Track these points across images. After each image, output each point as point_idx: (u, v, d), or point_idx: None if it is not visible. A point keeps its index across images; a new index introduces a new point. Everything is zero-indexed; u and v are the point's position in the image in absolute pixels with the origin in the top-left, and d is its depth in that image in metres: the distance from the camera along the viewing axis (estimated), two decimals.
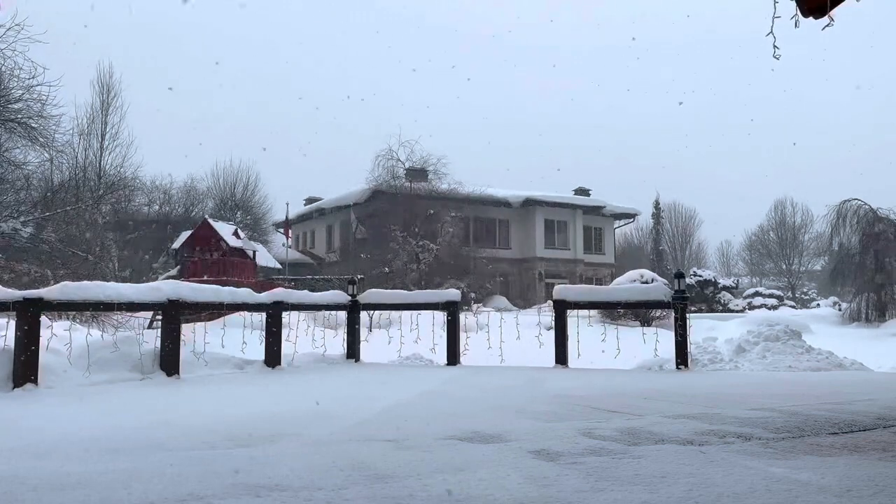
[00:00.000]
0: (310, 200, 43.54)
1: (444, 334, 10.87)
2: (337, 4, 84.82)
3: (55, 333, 8.05)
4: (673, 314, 9.96)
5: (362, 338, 11.50)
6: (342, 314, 12.01)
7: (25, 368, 7.09)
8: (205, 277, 23.52)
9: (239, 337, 10.30)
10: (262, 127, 72.15)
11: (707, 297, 32.42)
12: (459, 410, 5.57)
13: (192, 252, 26.72)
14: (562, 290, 10.54)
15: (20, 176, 20.48)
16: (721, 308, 31.35)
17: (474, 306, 24.78)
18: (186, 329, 9.51)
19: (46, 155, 20.69)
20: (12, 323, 7.64)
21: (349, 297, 11.40)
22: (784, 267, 52.77)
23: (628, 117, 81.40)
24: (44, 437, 4.46)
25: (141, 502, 2.75)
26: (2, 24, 16.88)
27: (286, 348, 10.16)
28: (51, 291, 7.70)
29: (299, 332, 11.72)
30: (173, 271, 26.46)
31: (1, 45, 17.27)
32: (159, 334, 8.67)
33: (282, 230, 39.06)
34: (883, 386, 7.59)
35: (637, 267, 30.16)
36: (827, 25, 4.26)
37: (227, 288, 10.03)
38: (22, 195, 20.77)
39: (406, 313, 13.55)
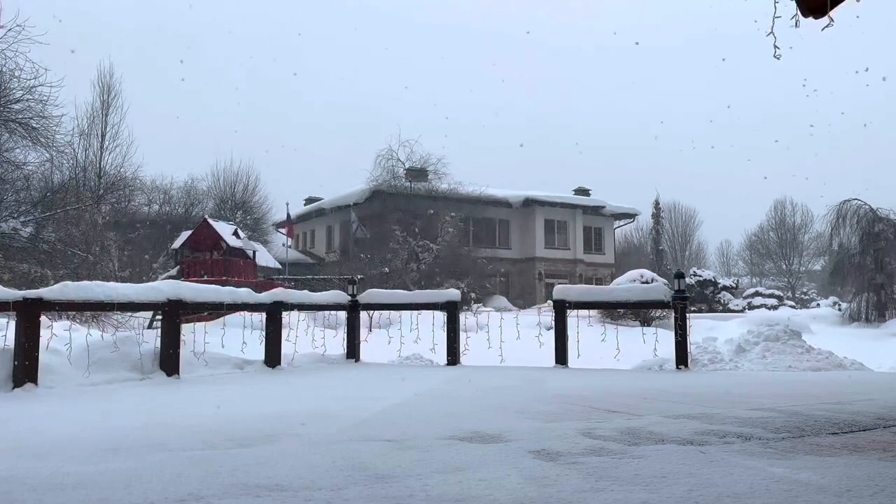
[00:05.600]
0: (310, 200, 43.53)
1: (444, 334, 10.88)
2: (337, 5, 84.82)
3: (55, 333, 8.06)
4: (673, 314, 9.96)
5: (362, 338, 11.50)
6: (342, 314, 12.01)
7: (25, 368, 7.08)
8: (205, 277, 23.50)
9: (239, 337, 10.30)
10: (261, 127, 72.18)
11: (707, 297, 32.41)
12: (459, 410, 5.57)
13: (192, 252, 26.70)
14: (562, 290, 10.54)
15: (20, 176, 20.50)
16: (721, 308, 31.34)
17: (474, 306, 24.77)
18: (186, 329, 9.51)
19: (47, 155, 20.73)
20: (12, 323, 7.64)
21: (349, 297, 11.40)
22: (784, 267, 52.78)
23: (629, 117, 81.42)
24: (44, 438, 4.46)
25: (141, 502, 2.75)
26: (3, 26, 16.91)
27: (286, 348, 10.16)
28: (51, 291, 7.70)
29: (299, 332, 11.72)
30: (173, 271, 26.40)
31: (1, 46, 17.30)
32: (159, 334, 8.68)
33: (282, 230, 39.04)
34: (883, 386, 7.59)
35: (637, 267, 30.16)
36: (827, 26, 4.27)
37: (227, 288, 10.03)
38: (22, 195, 20.79)
39: (406, 313, 13.56)
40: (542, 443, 3.91)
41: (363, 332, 11.91)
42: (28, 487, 3.02)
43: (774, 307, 33.18)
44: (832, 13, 4.25)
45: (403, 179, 35.10)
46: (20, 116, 18.68)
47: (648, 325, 19.10)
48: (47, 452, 3.86)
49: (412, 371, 9.96)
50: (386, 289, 15.76)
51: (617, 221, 44.20)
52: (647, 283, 20.64)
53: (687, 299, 9.88)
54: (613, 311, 19.27)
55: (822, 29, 4.28)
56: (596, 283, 37.09)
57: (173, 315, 8.67)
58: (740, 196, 69.10)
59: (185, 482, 3.05)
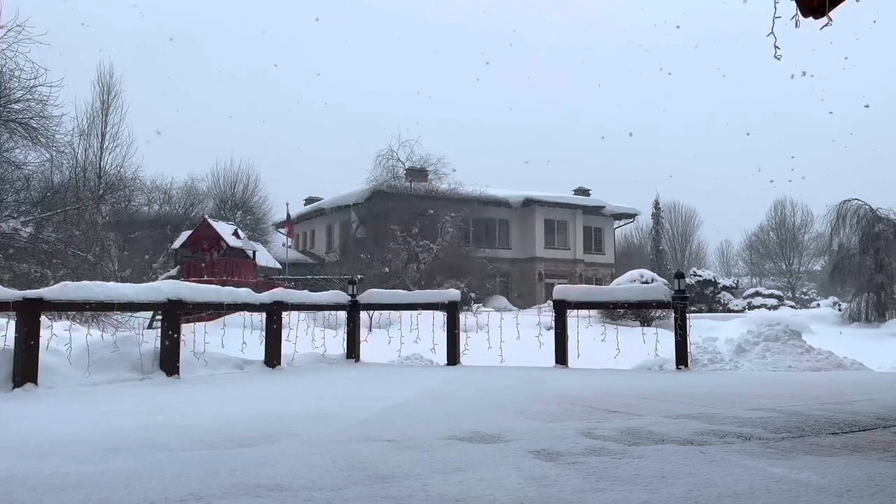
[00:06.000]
0: (310, 200, 43.55)
1: (444, 334, 10.87)
2: (337, 5, 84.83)
3: (55, 333, 8.05)
4: (673, 314, 9.96)
5: (362, 338, 11.50)
6: (342, 314, 12.01)
7: (25, 368, 7.08)
8: (205, 277, 23.50)
9: (239, 337, 10.30)
10: (262, 127, 72.21)
11: (707, 297, 32.43)
12: (459, 410, 5.57)
13: (192, 252, 26.71)
14: (562, 290, 10.54)
15: (20, 176, 20.50)
16: (721, 308, 31.35)
17: (474, 306, 24.76)
18: (186, 329, 9.51)
19: (47, 155, 20.74)
20: (12, 323, 7.64)
21: (349, 297, 11.40)
22: (784, 267, 52.79)
23: (629, 117, 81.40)
24: (44, 437, 4.45)
25: (141, 502, 2.75)
26: (3, 26, 16.92)
27: (286, 348, 10.16)
28: (51, 291, 7.70)
29: (299, 332, 11.73)
30: (173, 271, 26.41)
31: (1, 46, 17.31)
32: (159, 334, 8.67)
33: (282, 230, 39.05)
34: (883, 386, 7.59)
35: (637, 267, 30.16)
36: (825, 25, 4.28)
37: (227, 288, 10.03)
38: (22, 195, 20.79)
39: (406, 313, 13.55)
40: (542, 443, 3.92)
41: (363, 332, 11.91)
42: (28, 487, 3.02)
43: (774, 307, 33.19)
44: (831, 13, 4.27)
45: (403, 179, 35.12)
46: (20, 116, 18.69)
47: (648, 325, 19.09)
48: (47, 452, 3.86)
49: (412, 371, 9.96)
50: (386, 289, 15.76)
51: (617, 221, 44.20)
52: (647, 283, 20.65)
53: (687, 299, 9.88)
54: (613, 311, 19.26)
55: (821, 28, 4.30)
56: (596, 283, 37.08)
57: (173, 315, 8.67)
58: (740, 196, 69.07)
59: (185, 482, 3.05)
